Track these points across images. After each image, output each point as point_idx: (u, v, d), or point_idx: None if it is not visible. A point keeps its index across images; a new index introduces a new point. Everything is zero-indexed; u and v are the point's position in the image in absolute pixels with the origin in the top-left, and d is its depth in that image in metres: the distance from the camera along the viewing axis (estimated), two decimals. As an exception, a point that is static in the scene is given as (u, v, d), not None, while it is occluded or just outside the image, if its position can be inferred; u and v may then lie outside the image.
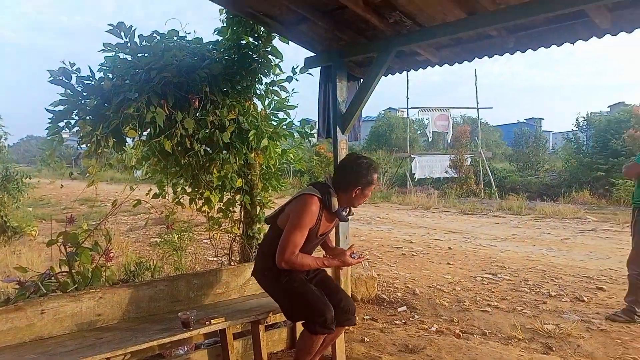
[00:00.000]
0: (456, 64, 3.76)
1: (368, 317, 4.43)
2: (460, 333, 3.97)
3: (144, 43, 3.51)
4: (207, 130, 3.68)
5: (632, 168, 4.25)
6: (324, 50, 3.93)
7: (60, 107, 3.37)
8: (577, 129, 21.82)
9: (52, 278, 3.41)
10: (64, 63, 3.39)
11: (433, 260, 6.96)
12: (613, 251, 7.35)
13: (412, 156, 20.11)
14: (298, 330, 3.53)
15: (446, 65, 3.82)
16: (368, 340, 3.78)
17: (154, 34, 3.59)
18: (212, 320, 2.72)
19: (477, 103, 19.82)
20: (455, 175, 19.18)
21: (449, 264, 6.72)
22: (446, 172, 19.60)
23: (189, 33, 3.83)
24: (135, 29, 3.49)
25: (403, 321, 4.32)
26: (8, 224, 7.94)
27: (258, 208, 4.34)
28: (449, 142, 22.88)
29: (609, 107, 30.70)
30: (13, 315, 2.52)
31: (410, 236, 9.15)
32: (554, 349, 3.61)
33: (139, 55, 3.44)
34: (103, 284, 3.34)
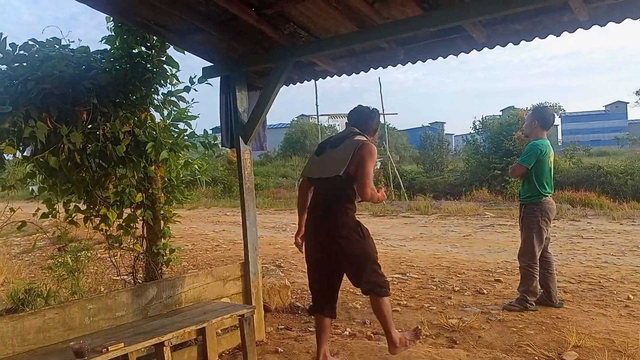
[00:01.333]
0: (353, 73, 3.90)
1: (282, 326, 4.42)
2: (372, 335, 4.09)
3: (19, 52, 3.22)
4: (98, 144, 3.47)
5: (516, 169, 4.66)
6: (221, 60, 3.88)
7: None
8: (474, 131, 23.58)
9: None
10: None
11: (346, 264, 7.10)
12: (509, 244, 7.99)
13: (326, 161, 20.48)
14: (209, 347, 3.44)
15: (345, 75, 3.95)
16: (282, 350, 3.77)
17: (31, 42, 3.31)
18: (109, 347, 2.55)
19: (383, 109, 20.70)
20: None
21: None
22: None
23: (72, 42, 3.59)
24: (5, 37, 3.20)
25: (317, 328, 4.35)
26: None
27: (162, 222, 4.16)
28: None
29: (501, 110, 33.60)
30: None
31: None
32: (458, 342, 3.83)
33: (15, 65, 3.16)
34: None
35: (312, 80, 4.30)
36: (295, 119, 36.94)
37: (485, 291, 5.27)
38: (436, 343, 3.84)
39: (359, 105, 3.37)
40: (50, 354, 2.59)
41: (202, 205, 15.74)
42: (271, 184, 21.61)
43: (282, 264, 7.02)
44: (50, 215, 3.87)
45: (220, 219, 12.75)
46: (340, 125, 21.11)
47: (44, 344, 2.75)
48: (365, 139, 3.13)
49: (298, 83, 4.28)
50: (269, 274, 5.17)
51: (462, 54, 3.39)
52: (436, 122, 43.96)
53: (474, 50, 3.33)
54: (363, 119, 3.28)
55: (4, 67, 3.28)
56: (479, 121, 23.53)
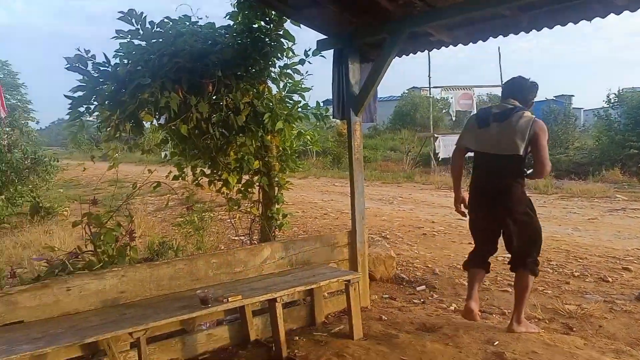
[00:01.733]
0: (470, 43, 3.69)
1: (387, 295, 4.49)
2: (479, 312, 3.99)
3: (157, 29, 3.57)
4: (222, 114, 3.75)
5: None
6: (335, 33, 3.93)
7: (79, 93, 3.48)
8: (608, 105, 21.06)
9: (79, 257, 3.58)
10: (79, 50, 3.49)
11: (454, 240, 6.94)
12: (643, 230, 7.17)
13: (436, 135, 19.84)
14: (317, 308, 3.64)
15: (460, 45, 3.76)
16: (386, 318, 3.84)
17: (166, 20, 3.65)
18: (229, 298, 2.82)
19: (502, 81, 19.31)
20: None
21: (470, 243, 6.69)
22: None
23: (200, 18, 3.88)
24: (145, 16, 3.55)
25: (422, 300, 4.36)
26: (41, 204, 8.28)
27: (276, 189, 4.42)
28: (474, 121, 22.36)
29: (643, 81, 29.43)
30: (41, 292, 2.67)
31: (432, 216, 9.12)
32: (574, 329, 3.59)
33: (152, 41, 3.51)
34: (127, 262, 3.49)
35: (426, 52, 4.17)
36: (406, 91, 36.02)
37: (610, 279, 4.82)
38: (549, 328, 3.64)
39: (519, 77, 3.37)
40: (180, 299, 2.94)
41: (312, 175, 16.27)
42: (379, 157, 21.54)
43: (387, 236, 7.06)
44: (180, 178, 4.32)
45: (328, 189, 13.10)
46: (454, 98, 20.12)
47: (175, 290, 3.13)
48: (533, 115, 3.18)
49: (411, 54, 4.17)
50: (375, 244, 5.24)
51: (597, 19, 3.04)
52: (563, 95, 39.97)
53: (612, 14, 2.96)
54: (523, 91, 3.31)
55: (143, 43, 3.67)
56: (615, 94, 20.92)
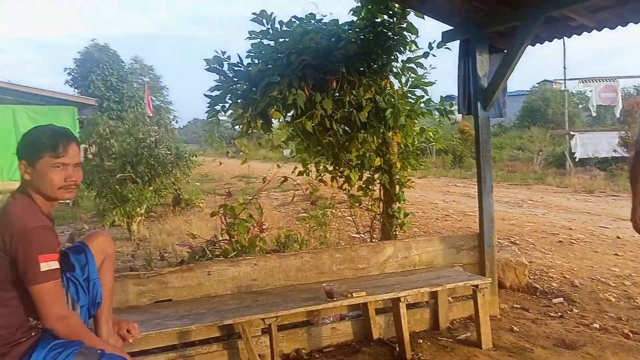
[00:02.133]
0: (618, 27, 3.25)
1: (518, 305, 4.16)
2: (630, 333, 3.51)
3: (284, 28, 3.72)
4: (345, 110, 3.79)
5: None
6: (461, 23, 3.73)
7: (216, 92, 3.77)
8: None
9: (216, 245, 3.89)
10: (216, 52, 3.77)
11: (597, 250, 6.21)
12: None
13: (572, 133, 17.99)
14: (441, 312, 3.51)
15: (606, 29, 3.34)
16: (518, 329, 3.56)
17: (293, 19, 3.78)
18: (353, 294, 2.84)
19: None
20: (627, 155, 16.68)
21: (616, 255, 5.94)
22: (615, 151, 17.13)
23: (325, 15, 3.95)
24: (275, 16, 3.71)
25: (559, 314, 3.96)
26: (181, 196, 9.18)
27: (397, 187, 4.35)
28: (618, 116, 19.99)
29: None
30: (186, 275, 2.94)
31: (569, 222, 8.27)
32: None
33: (280, 40, 3.66)
34: (257, 252, 3.70)
35: (562, 39, 3.78)
36: (536, 84, 33.27)
37: None
38: None
39: None
40: (306, 291, 3.03)
41: (432, 175, 15.82)
42: (505, 156, 20.16)
43: (517, 241, 6.57)
44: (304, 174, 4.47)
45: (450, 189, 12.61)
46: (595, 91, 18.08)
47: (301, 282, 3.23)
48: None
49: (546, 42, 3.82)
50: (503, 249, 4.91)
51: None
52: None
53: None
54: None
55: (272, 42, 3.84)
56: None
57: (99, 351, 1.85)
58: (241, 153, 4.08)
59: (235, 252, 3.65)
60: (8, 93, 13.26)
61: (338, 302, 2.81)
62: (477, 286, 3.18)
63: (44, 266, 1.73)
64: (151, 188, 7.29)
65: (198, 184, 12.07)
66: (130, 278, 2.84)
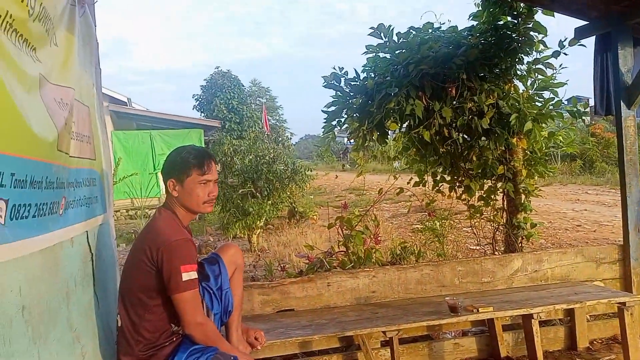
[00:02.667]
0: None
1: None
2: None
3: (401, 40, 3.71)
4: (464, 118, 3.65)
5: None
6: (599, 17, 3.40)
7: (332, 108, 3.87)
8: None
9: (333, 256, 3.95)
10: (334, 69, 3.87)
11: None
12: None
13: None
14: (578, 331, 3.19)
15: None
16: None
17: (410, 30, 3.75)
18: (479, 309, 2.69)
19: None
20: None
21: None
22: None
23: (443, 23, 3.87)
24: (393, 28, 3.72)
25: None
26: (296, 209, 9.53)
27: (522, 196, 4.07)
28: None
29: None
30: (307, 285, 3.03)
31: None
32: None
33: (397, 52, 3.65)
34: (373, 264, 3.69)
35: None
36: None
37: None
38: None
39: None
40: (427, 304, 2.94)
41: (557, 182, 14.53)
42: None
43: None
44: (420, 184, 4.37)
45: (580, 197, 11.47)
46: None
47: (421, 295, 3.15)
48: None
49: None
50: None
51: None
52: None
53: None
54: None
55: (387, 55, 3.85)
56: None
57: (232, 358, 1.97)
58: (357, 166, 4.12)
59: (352, 264, 3.67)
60: (146, 120, 14.96)
61: (463, 317, 2.69)
62: (624, 304, 2.84)
63: (185, 276, 1.89)
64: (269, 202, 7.68)
65: (311, 197, 12.45)
66: (255, 288, 3.00)
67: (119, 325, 2.04)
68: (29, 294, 1.37)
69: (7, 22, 1.35)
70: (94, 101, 2.44)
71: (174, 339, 2.01)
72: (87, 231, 2.04)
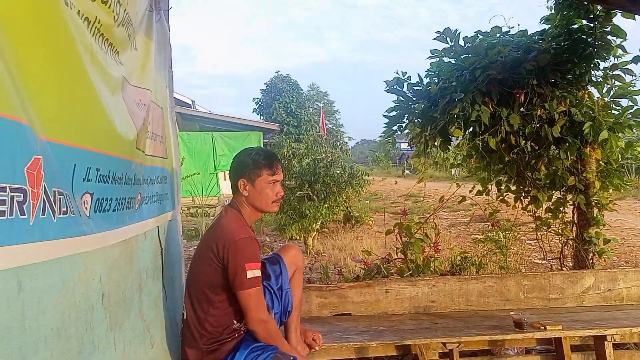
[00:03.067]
0: None
1: None
2: None
3: (467, 44, 3.61)
4: (533, 125, 3.49)
5: None
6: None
7: (394, 113, 3.82)
8: None
9: (390, 262, 3.90)
10: (396, 73, 3.83)
11: None
12: None
13: None
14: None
15: None
16: None
17: (477, 34, 3.65)
18: (547, 326, 2.56)
19: None
20: None
21: None
22: None
23: (512, 27, 3.73)
24: (459, 32, 3.63)
25: None
26: (351, 214, 9.50)
27: (595, 210, 3.84)
28: None
29: None
30: (365, 290, 3.01)
31: None
32: None
33: (463, 56, 3.55)
34: (431, 273, 3.60)
35: None
36: None
37: None
38: None
39: None
40: (490, 318, 2.83)
41: (631, 196, 13.59)
42: None
43: None
44: (483, 193, 4.22)
45: (655, 214, 10.67)
46: None
47: (483, 308, 3.04)
48: None
49: None
50: None
51: None
52: None
53: None
54: None
55: (452, 60, 3.76)
56: None
57: (291, 358, 1.99)
58: (417, 172, 4.04)
59: (410, 272, 3.60)
60: (208, 122, 15.50)
61: (529, 333, 2.57)
62: None
63: (249, 274, 1.93)
64: (326, 205, 7.70)
65: (367, 202, 12.38)
66: (313, 290, 3.02)
67: (184, 318, 2.12)
68: (108, 283, 1.45)
69: (96, 27, 1.44)
70: (167, 102, 2.56)
71: (237, 335, 2.06)
72: (158, 226, 2.14)
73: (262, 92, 23.44)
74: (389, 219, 9.98)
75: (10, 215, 0.90)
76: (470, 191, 4.20)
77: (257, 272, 1.96)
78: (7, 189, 0.89)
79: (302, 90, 24.14)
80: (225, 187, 13.40)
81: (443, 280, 3.07)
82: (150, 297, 1.95)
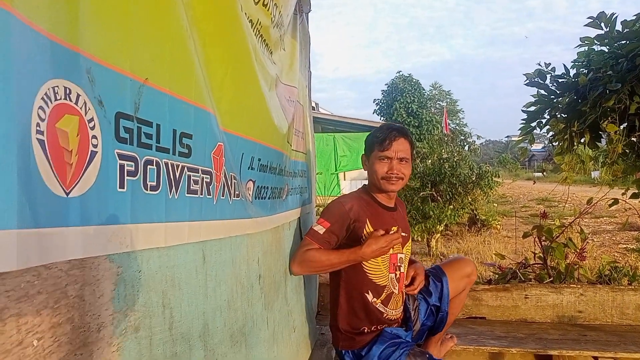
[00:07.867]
0: None
1: None
2: None
3: (625, 30, 3.22)
4: None
5: None
6: None
7: (533, 108, 3.56)
8: None
9: (528, 268, 3.64)
10: (539, 65, 3.56)
11: None
12: None
13: None
14: None
15: None
16: None
17: (639, 17, 3.24)
18: None
19: None
20: None
21: None
22: None
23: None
24: (617, 16, 3.26)
25: None
26: (477, 217, 9.07)
27: None
28: None
29: None
30: (501, 294, 2.85)
31: None
32: None
33: (619, 43, 3.18)
34: (575, 281, 3.28)
35: None
36: None
37: None
38: None
39: None
40: (652, 336, 2.51)
41: None
42: None
43: None
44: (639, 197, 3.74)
45: None
46: None
47: (642, 324, 2.70)
48: None
49: None
50: None
51: None
52: None
53: None
54: None
55: (604, 48, 3.39)
56: None
57: (427, 355, 1.96)
58: (559, 172, 3.72)
59: (551, 279, 3.32)
60: (330, 123, 15.92)
61: None
62: None
63: (316, 227, 1.93)
64: (450, 206, 7.45)
65: (495, 205, 11.71)
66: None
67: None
68: (264, 265, 1.57)
69: (257, 29, 1.56)
70: (307, 101, 2.69)
71: (373, 329, 2.08)
72: (299, 217, 2.25)
73: (382, 93, 23.43)
74: (519, 223, 9.32)
75: (201, 195, 1.03)
76: (623, 194, 3.75)
77: (322, 230, 1.91)
78: (200, 171, 1.02)
79: (424, 89, 23.61)
80: (346, 186, 13.66)
81: (593, 289, 2.79)
82: (293, 284, 2.06)
